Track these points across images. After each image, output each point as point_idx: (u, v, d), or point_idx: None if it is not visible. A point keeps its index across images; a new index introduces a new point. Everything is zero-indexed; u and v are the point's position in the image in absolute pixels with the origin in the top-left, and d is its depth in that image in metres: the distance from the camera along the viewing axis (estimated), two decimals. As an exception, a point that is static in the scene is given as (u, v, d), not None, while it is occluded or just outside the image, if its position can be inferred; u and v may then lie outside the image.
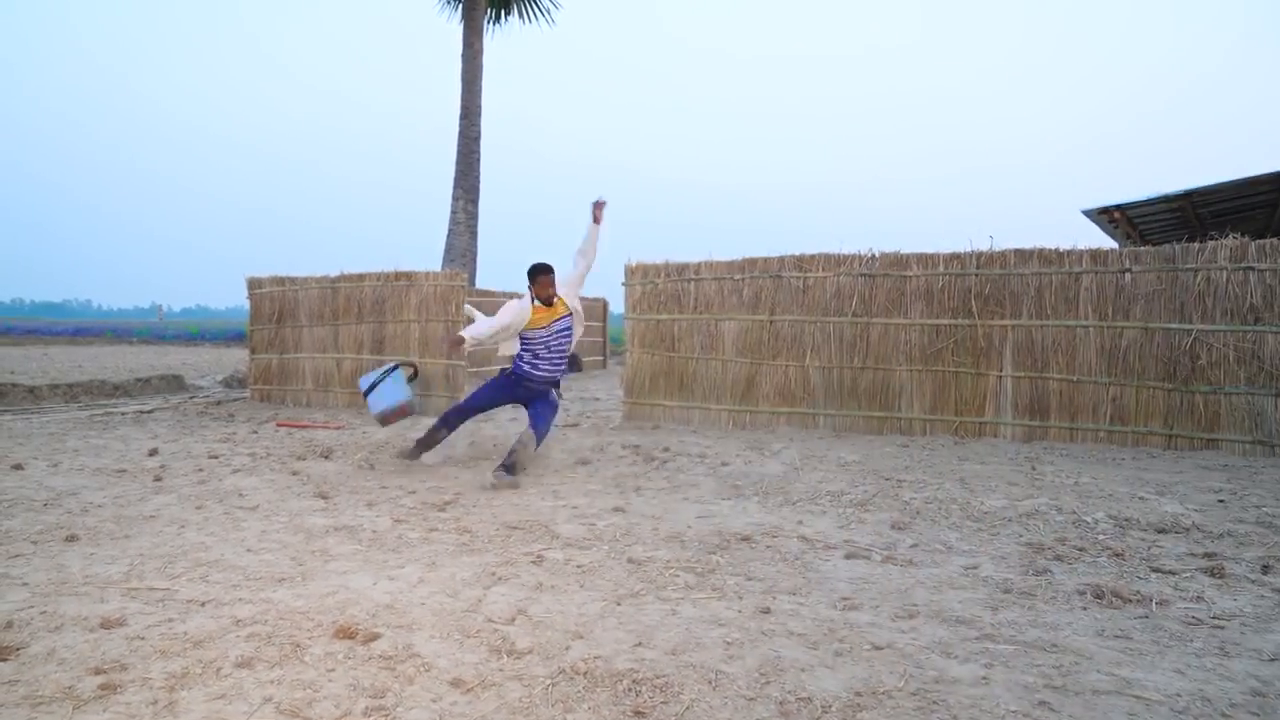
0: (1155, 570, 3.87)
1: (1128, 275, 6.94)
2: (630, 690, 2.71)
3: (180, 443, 8.27)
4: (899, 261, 7.60)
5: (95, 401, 11.96)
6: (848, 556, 4.20)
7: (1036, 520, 4.70)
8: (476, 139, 16.42)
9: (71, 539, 4.67)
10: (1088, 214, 10.60)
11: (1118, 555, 4.09)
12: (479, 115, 16.45)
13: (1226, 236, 6.67)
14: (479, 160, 16.51)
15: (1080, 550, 4.19)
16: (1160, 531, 4.50)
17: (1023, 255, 7.23)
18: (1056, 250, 7.15)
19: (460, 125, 16.37)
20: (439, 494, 5.83)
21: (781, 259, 8.00)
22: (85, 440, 8.39)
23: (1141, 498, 5.03)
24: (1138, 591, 3.56)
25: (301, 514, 5.26)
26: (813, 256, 7.92)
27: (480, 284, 16.92)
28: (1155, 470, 5.97)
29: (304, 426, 9.49)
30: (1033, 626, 3.20)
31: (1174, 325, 6.83)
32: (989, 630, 3.17)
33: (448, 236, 16.38)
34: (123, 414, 10.74)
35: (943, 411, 7.54)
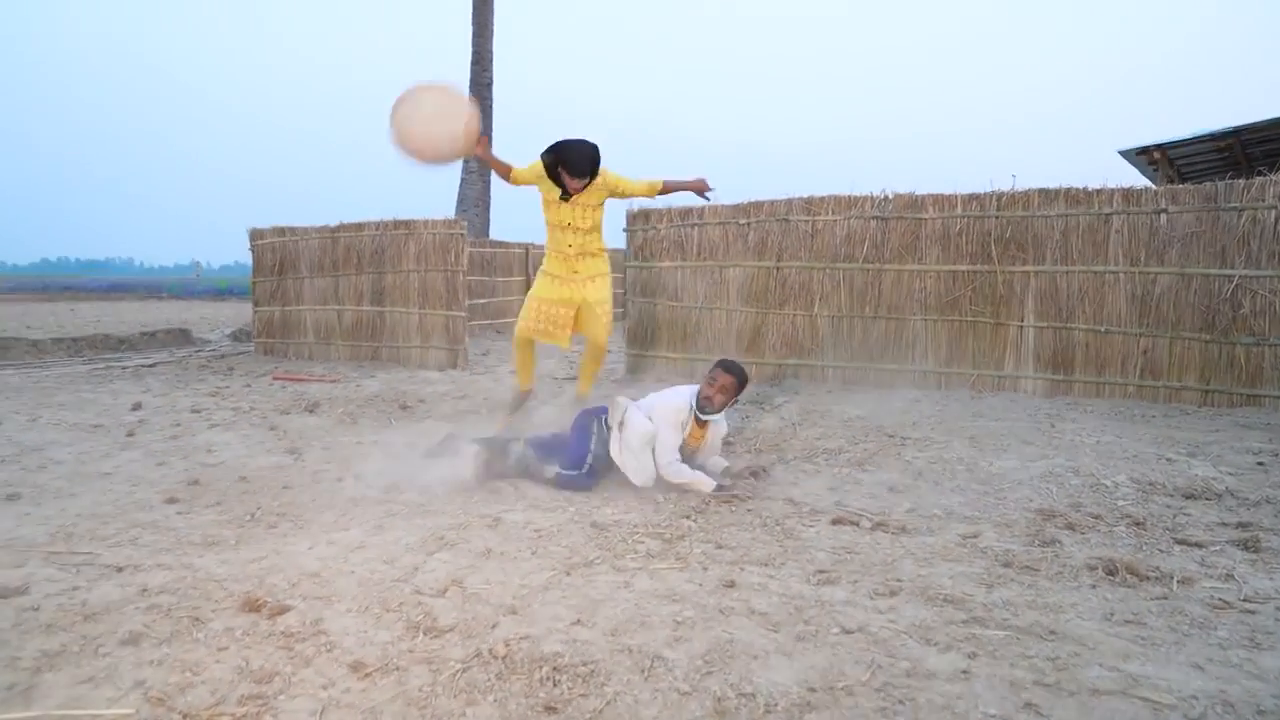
0: (1180, 542, 3.42)
1: (1163, 216, 6.34)
2: (548, 679, 2.34)
3: (169, 397, 8.04)
4: (914, 203, 7.04)
5: (99, 355, 11.81)
6: (834, 522, 3.80)
7: (1050, 483, 4.25)
8: (489, 85, 15.92)
9: (13, 497, 4.41)
10: (1125, 155, 9.90)
11: (1138, 524, 3.64)
12: (491, 61, 15.93)
13: (1277, 172, 6.05)
14: (491, 107, 16.02)
15: (1096, 518, 3.74)
16: (1188, 497, 4.03)
17: (1047, 195, 6.63)
18: (1085, 190, 6.54)
19: (471, 71, 15.87)
20: (416, 452, 5.48)
21: (789, 201, 7.48)
22: (75, 394, 8.19)
23: (1169, 459, 4.55)
24: (1157, 567, 3.12)
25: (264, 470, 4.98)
26: (822, 199, 7.38)
27: (494, 234, 16.55)
28: (1188, 429, 5.47)
29: (300, 380, 9.23)
30: (1030, 608, 2.78)
31: (1214, 270, 6.23)
32: (979, 613, 2.75)
33: (460, 185, 16.01)
34: (123, 368, 10.55)
35: (959, 364, 7.03)
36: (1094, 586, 2.98)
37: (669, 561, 3.34)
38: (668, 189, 5.21)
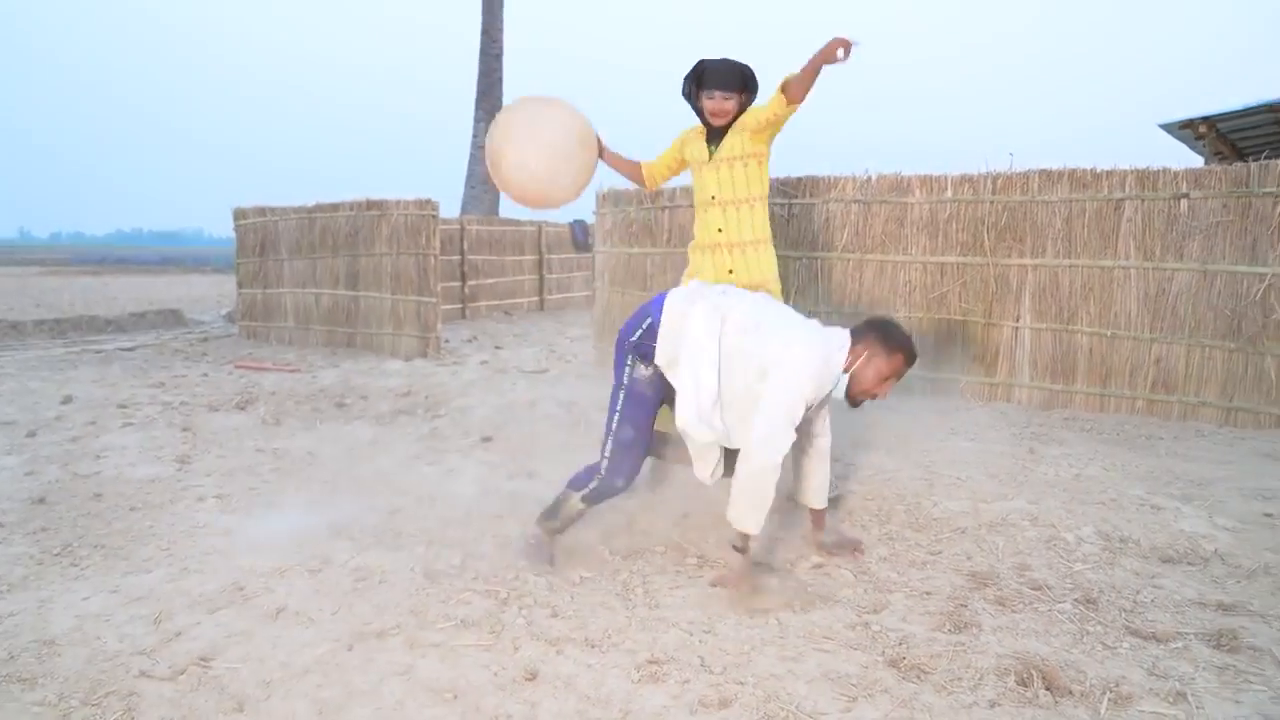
0: (1134, 632, 2.66)
1: (1184, 202, 5.40)
2: None
3: (114, 387, 7.63)
4: (899, 185, 6.18)
5: (84, 338, 11.54)
6: (714, 584, 3.10)
7: (999, 535, 3.49)
8: (498, 56, 15.27)
9: None
10: (1167, 128, 8.84)
11: (1088, 601, 2.87)
12: (501, 31, 15.27)
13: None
14: (501, 80, 15.38)
15: (1037, 590, 2.98)
16: (1166, 561, 3.23)
17: (1049, 177, 5.72)
18: (1092, 171, 5.60)
19: (481, 42, 15.24)
20: (310, 465, 4.94)
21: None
22: (22, 383, 7.84)
23: (1156, 506, 3.72)
24: (1085, 677, 2.37)
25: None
26: (798, 180, 6.56)
27: (504, 212, 15.95)
28: (1196, 458, 4.60)
29: (261, 369, 8.78)
30: (887, 744, 2.08)
31: (1242, 268, 5.24)
32: (815, 749, 2.06)
33: (469, 162, 15.44)
34: (97, 352, 10.24)
35: (946, 368, 6.19)
36: (993, 705, 2.25)
37: (479, 635, 2.70)
38: (808, 79, 3.39)
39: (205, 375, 8.48)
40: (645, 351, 3.10)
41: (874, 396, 3.00)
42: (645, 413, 3.13)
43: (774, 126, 3.63)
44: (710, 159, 3.71)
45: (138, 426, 5.99)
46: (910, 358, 2.98)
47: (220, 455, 5.21)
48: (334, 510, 3.99)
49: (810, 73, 3.37)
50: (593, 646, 2.61)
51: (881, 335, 2.97)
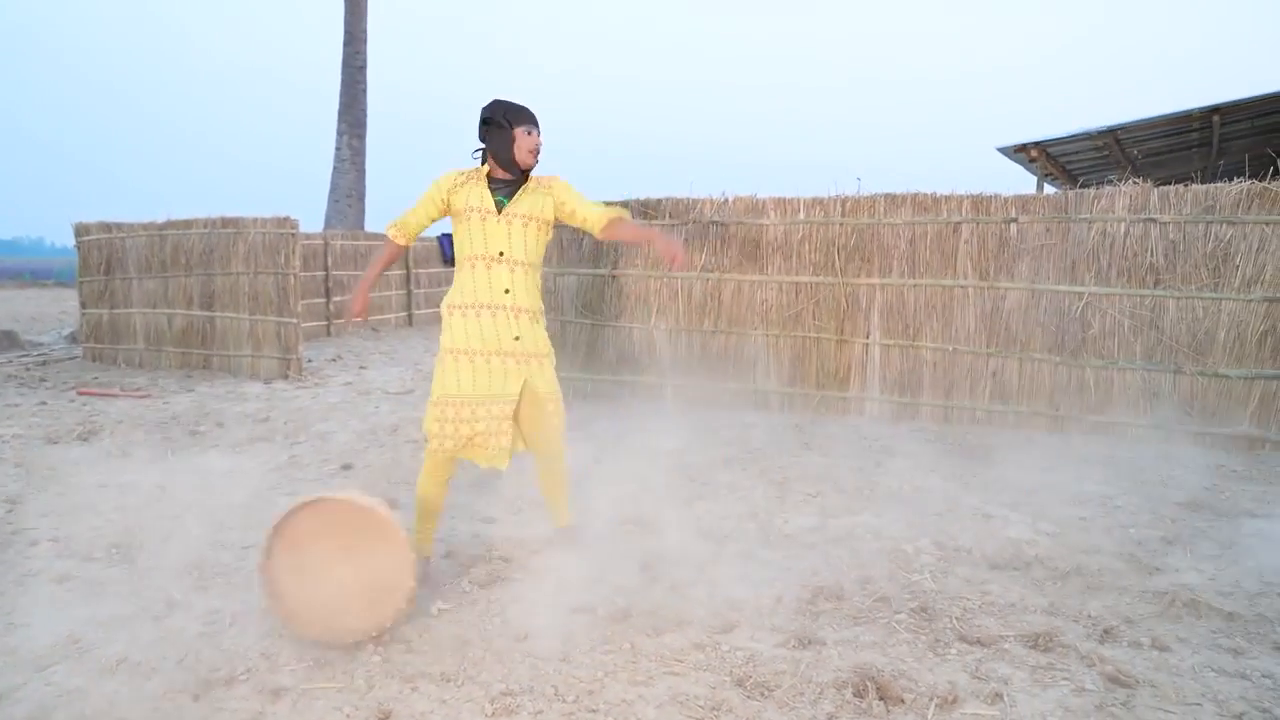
0: (963, 639, 2.84)
1: (1014, 226, 5.83)
2: None
3: (-66, 419, 7.03)
4: (754, 207, 6.42)
5: (-101, 363, 10.56)
6: (574, 610, 3.13)
7: (845, 548, 3.66)
8: (362, 68, 14.92)
9: None
10: (1004, 151, 9.48)
11: (922, 610, 3.06)
12: (365, 41, 14.93)
13: (1126, 182, 5.59)
14: (365, 91, 15.04)
15: (880, 602, 3.15)
16: (995, 568, 3.47)
17: (894, 201, 6.07)
18: (933, 195, 5.98)
19: (344, 52, 14.85)
20: (159, 501, 4.70)
21: (625, 204, 6.81)
22: None
23: (987, 515, 4.00)
24: (915, 684, 2.52)
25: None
26: (659, 201, 6.72)
27: (370, 226, 15.60)
28: (1026, 465, 4.95)
29: (107, 395, 8.27)
30: (730, 764, 2.16)
31: (1064, 287, 5.72)
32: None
33: (332, 174, 15.01)
34: (-85, 379, 9.40)
35: (802, 384, 6.45)
36: (830, 719, 2.37)
37: (332, 675, 2.65)
38: (627, 234, 3.42)
39: (43, 404, 7.93)
40: None
41: None
42: None
43: (568, 221, 3.38)
44: (501, 212, 3.26)
45: (-40, 464, 5.57)
46: None
47: (58, 493, 4.89)
48: (184, 549, 3.82)
49: (640, 238, 3.35)
50: (448, 681, 2.61)
51: None
